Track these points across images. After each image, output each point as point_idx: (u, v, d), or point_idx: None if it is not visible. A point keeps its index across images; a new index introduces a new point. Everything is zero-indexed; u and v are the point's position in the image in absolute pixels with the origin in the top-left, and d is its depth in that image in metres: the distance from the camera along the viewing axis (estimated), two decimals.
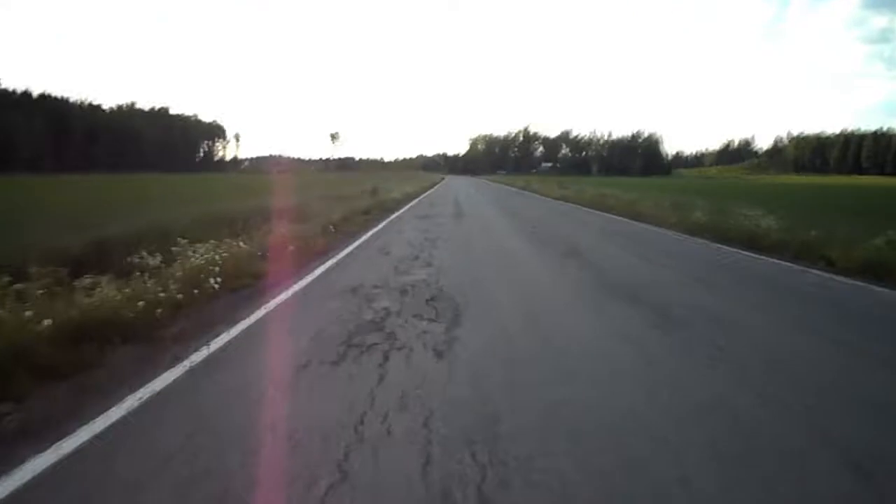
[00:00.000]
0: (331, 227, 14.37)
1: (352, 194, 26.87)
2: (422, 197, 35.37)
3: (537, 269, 9.98)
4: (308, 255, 10.42)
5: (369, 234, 15.09)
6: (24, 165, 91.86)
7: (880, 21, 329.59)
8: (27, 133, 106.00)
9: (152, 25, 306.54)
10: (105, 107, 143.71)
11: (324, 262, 10.00)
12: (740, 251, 11.76)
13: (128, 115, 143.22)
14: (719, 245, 12.75)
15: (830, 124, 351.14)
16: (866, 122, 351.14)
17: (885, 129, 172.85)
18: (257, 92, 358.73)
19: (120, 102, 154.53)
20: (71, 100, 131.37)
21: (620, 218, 20.54)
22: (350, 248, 12.20)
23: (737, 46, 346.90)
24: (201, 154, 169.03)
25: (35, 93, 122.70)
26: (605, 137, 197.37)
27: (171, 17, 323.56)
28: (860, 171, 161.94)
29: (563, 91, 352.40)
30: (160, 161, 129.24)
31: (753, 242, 12.39)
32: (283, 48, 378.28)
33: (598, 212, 23.52)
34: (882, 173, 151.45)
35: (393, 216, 20.31)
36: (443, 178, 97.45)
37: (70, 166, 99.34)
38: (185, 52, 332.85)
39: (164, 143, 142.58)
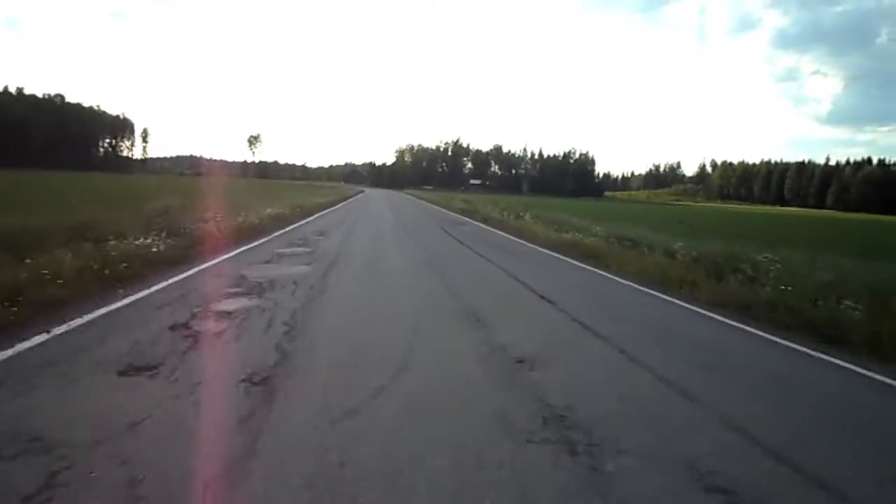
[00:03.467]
0: None
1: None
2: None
3: None
4: None
5: None
6: None
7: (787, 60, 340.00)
8: None
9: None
10: None
11: None
12: None
13: (11, 101, 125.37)
14: None
15: (749, 154, 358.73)
16: (778, 154, 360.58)
17: (807, 160, 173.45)
18: (171, 87, 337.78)
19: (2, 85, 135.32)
20: None
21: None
22: None
23: (660, 73, 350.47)
24: (101, 151, 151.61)
25: None
26: (536, 155, 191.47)
27: None
28: (783, 201, 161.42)
29: (494, 105, 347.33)
30: (50, 157, 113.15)
31: None
32: (203, 42, 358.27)
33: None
34: (804, 205, 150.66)
35: None
36: (359, 193, 79.48)
37: None
38: (87, 37, 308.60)
39: (55, 137, 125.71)
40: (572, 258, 14.91)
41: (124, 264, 8.52)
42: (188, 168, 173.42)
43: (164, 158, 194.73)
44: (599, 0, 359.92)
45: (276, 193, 39.13)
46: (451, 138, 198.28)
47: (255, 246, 13.54)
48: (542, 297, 9.04)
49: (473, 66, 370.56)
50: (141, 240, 10.60)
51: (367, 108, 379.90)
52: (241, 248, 12.73)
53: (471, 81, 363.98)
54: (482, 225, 26.72)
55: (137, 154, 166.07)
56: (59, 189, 33.61)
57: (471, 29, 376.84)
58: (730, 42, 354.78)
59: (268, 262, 11.03)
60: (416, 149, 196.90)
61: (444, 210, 42.51)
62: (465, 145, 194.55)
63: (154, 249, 10.16)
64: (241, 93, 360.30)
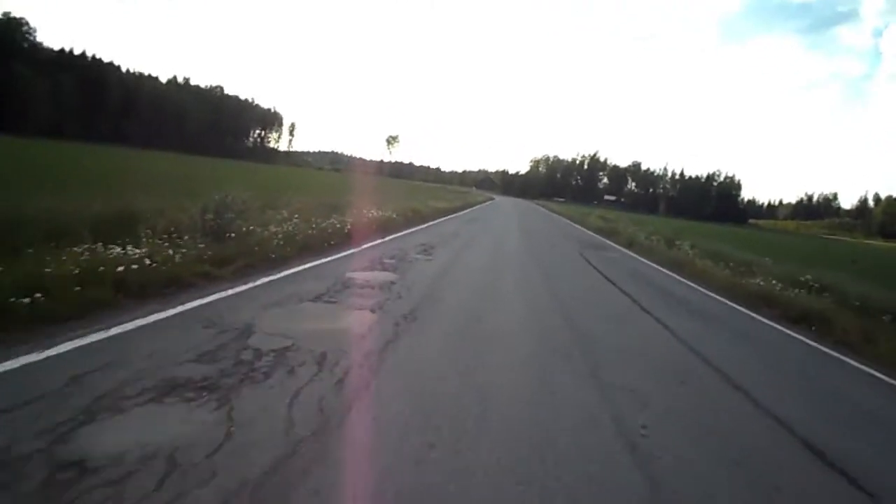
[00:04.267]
0: None
1: None
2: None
3: None
4: None
5: None
6: (38, 130, 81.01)
7: None
8: (52, 94, 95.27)
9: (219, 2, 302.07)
10: (152, 76, 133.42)
11: None
12: None
13: (175, 90, 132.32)
14: None
15: None
16: None
17: None
18: (316, 84, 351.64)
19: (171, 76, 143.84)
20: (110, 63, 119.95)
21: None
22: None
23: (810, 99, 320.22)
24: (250, 141, 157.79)
25: (73, 51, 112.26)
26: (677, 174, 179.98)
27: None
28: None
29: (635, 121, 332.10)
30: (203, 143, 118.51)
31: None
32: (351, 44, 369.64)
33: None
34: None
35: None
36: (488, 200, 77.67)
37: (97, 136, 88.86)
38: (245, 34, 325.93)
39: (210, 125, 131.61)
40: (779, 322, 9.98)
41: None
42: (329, 163, 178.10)
43: (308, 153, 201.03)
44: (761, 17, 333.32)
45: (406, 193, 36.60)
46: (588, 151, 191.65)
47: (325, 263, 9.71)
48: (807, 444, 4.46)
49: (616, 79, 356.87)
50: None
51: (505, 116, 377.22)
52: (300, 267, 8.93)
53: (613, 95, 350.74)
54: (628, 252, 21.43)
55: (283, 146, 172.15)
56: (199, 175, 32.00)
57: (619, 42, 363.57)
58: None
59: (318, 298, 7.05)
60: (551, 160, 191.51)
61: (579, 227, 37.09)
62: (602, 159, 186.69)
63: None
64: (382, 93, 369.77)
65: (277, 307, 6.32)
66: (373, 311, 6.73)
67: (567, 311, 8.46)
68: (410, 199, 29.90)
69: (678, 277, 15.17)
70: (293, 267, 8.88)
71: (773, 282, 13.29)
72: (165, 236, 8.26)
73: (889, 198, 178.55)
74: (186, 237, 8.67)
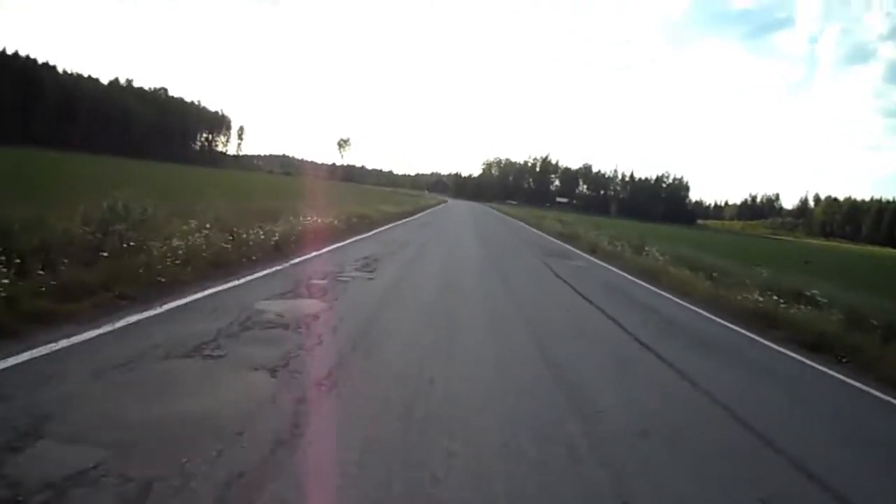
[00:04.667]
0: None
1: None
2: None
3: None
4: None
5: None
6: None
7: None
8: None
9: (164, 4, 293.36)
10: (92, 77, 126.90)
11: None
12: None
13: (118, 92, 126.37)
14: None
15: (850, 190, 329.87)
16: (888, 192, 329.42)
17: None
18: (264, 87, 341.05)
19: (113, 77, 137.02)
20: (45, 63, 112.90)
21: None
22: None
23: (753, 102, 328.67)
24: (197, 145, 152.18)
25: (5, 51, 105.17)
26: (627, 176, 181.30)
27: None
28: (894, 242, 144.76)
29: (584, 123, 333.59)
30: (149, 147, 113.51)
31: None
32: (296, 44, 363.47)
33: None
34: None
35: None
36: (441, 203, 74.40)
37: (31, 140, 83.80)
38: (190, 36, 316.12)
39: (156, 128, 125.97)
40: (797, 351, 8.21)
41: None
42: (279, 167, 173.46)
43: (258, 156, 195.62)
44: (704, 23, 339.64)
45: (355, 197, 34.56)
46: (539, 154, 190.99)
47: (232, 287, 7.45)
48: None
49: (566, 82, 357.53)
50: None
51: (456, 119, 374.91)
52: (194, 295, 6.60)
53: (562, 98, 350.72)
54: (594, 259, 19.49)
55: (232, 150, 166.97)
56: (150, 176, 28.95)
57: (567, 45, 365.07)
58: (839, 73, 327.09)
59: (197, 349, 4.70)
60: (503, 162, 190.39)
61: (537, 232, 35.04)
62: (553, 162, 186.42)
63: None
64: (333, 96, 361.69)
65: (120, 372, 4.06)
66: (273, 372, 4.49)
67: (548, 352, 6.35)
68: (359, 203, 27.73)
69: (657, 290, 13.28)
70: (185, 295, 6.60)
71: (757, 293, 11.56)
72: (18, 259, 5.88)
73: (828, 198, 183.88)
74: (53, 255, 6.37)
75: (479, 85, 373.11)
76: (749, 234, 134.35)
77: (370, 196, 46.07)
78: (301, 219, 14.98)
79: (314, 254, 11.60)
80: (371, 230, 19.35)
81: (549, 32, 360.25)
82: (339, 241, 14.46)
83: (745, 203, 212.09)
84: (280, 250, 10.93)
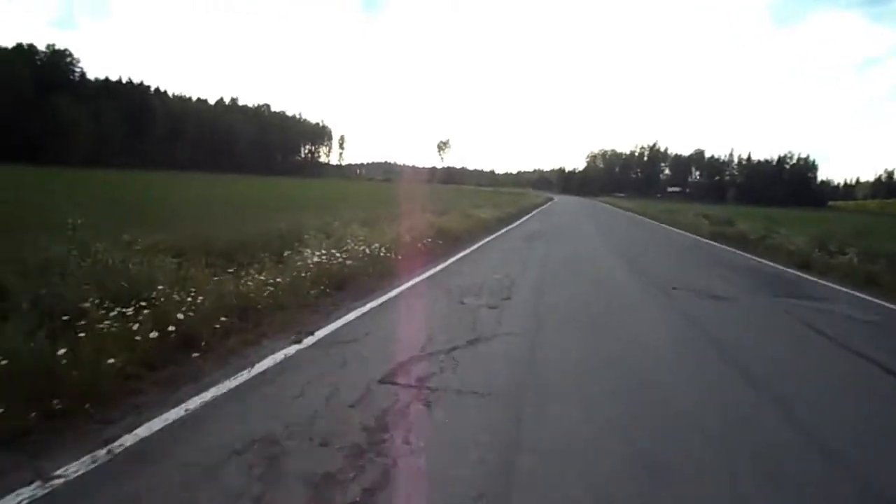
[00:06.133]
0: None
1: None
2: None
3: None
4: None
5: None
6: (81, 159, 77.10)
7: None
8: (95, 123, 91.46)
9: (263, 22, 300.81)
10: (201, 98, 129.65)
11: None
12: None
13: (224, 111, 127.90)
14: None
15: None
16: None
17: None
18: (364, 95, 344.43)
19: (218, 97, 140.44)
20: (156, 89, 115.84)
21: None
22: None
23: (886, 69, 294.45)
24: (300, 157, 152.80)
25: (121, 80, 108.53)
26: (744, 160, 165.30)
27: (281, 15, 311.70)
28: None
29: (694, 108, 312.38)
30: (253, 162, 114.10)
31: None
32: (393, 52, 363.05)
33: None
34: None
35: None
36: (547, 202, 65.27)
37: (142, 163, 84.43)
38: (291, 51, 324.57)
39: (258, 143, 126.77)
40: None
41: None
42: (381, 174, 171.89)
43: (360, 164, 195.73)
44: None
45: (449, 200, 30.77)
46: (646, 142, 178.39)
47: None
48: None
49: (671, 66, 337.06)
50: None
51: (558, 113, 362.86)
52: None
53: (671, 82, 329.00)
54: (852, 292, 11.19)
55: (334, 160, 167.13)
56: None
57: (672, 26, 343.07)
58: None
59: None
60: (608, 154, 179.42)
61: (684, 233, 25.75)
62: (662, 150, 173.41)
63: None
64: (432, 99, 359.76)
65: None
66: None
67: None
68: (445, 211, 21.18)
69: None
70: None
71: None
72: None
73: None
74: None
75: (579, 76, 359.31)
76: (887, 214, 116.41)
77: (466, 197, 39.63)
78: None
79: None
80: (447, 258, 12.14)
81: (651, 17, 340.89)
82: (371, 298, 7.72)
83: (878, 180, 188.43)
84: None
